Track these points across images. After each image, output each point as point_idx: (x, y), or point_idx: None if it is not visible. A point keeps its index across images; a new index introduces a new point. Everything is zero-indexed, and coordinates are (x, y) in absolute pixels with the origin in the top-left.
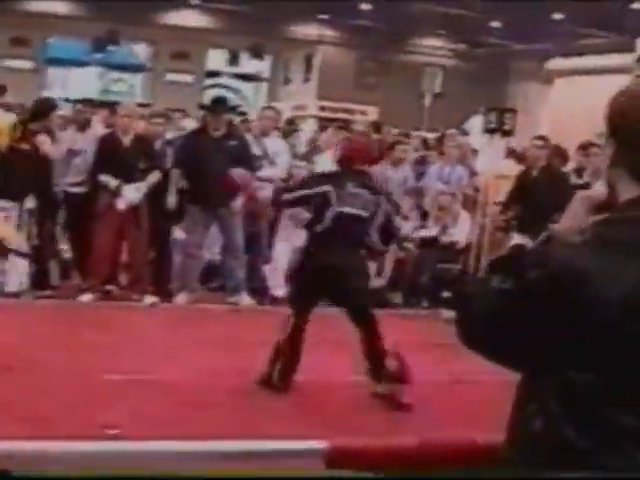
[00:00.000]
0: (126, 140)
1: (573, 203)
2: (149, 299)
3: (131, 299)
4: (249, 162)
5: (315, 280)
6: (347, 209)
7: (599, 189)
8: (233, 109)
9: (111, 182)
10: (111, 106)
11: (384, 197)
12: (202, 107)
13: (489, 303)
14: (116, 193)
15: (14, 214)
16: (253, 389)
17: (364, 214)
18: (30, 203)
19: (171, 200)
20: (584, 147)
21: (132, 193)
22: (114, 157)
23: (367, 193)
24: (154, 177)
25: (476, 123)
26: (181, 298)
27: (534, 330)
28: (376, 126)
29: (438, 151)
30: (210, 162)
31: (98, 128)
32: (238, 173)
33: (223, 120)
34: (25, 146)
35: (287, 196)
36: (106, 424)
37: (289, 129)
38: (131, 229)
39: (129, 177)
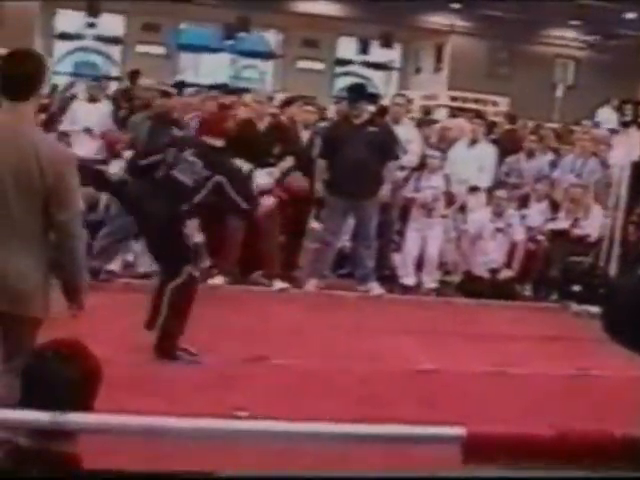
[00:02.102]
0: (261, 125)
1: None
2: (279, 284)
3: (261, 284)
4: (391, 149)
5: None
6: (175, 173)
7: None
8: (372, 97)
9: (244, 166)
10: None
11: (221, 173)
12: (341, 96)
13: (635, 292)
14: None
15: None
16: (381, 376)
17: (187, 181)
18: None
19: (318, 188)
20: None
21: (264, 178)
22: (248, 142)
23: (201, 164)
24: (288, 162)
25: (606, 114)
26: (311, 284)
27: None
28: (510, 117)
29: (568, 143)
30: (351, 150)
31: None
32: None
33: (362, 108)
34: None
35: (142, 162)
36: (236, 406)
37: (425, 119)
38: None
39: (262, 162)
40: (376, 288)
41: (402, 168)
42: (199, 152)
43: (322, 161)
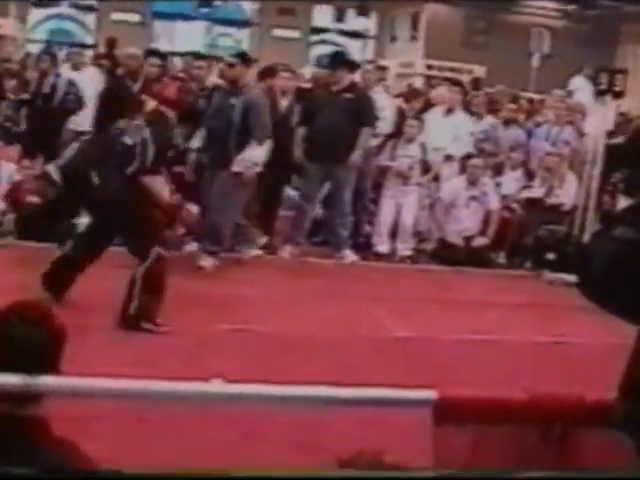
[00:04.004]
0: None
1: None
2: (254, 252)
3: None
4: (368, 116)
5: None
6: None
7: None
8: (352, 64)
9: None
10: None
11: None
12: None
13: (612, 253)
14: None
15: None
16: (356, 342)
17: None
18: None
19: (297, 153)
20: None
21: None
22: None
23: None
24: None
25: (579, 83)
26: (285, 251)
27: None
28: (475, 82)
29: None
30: (327, 116)
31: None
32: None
33: (341, 75)
34: None
35: None
36: (211, 372)
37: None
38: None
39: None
40: (350, 255)
41: (375, 135)
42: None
43: (301, 129)
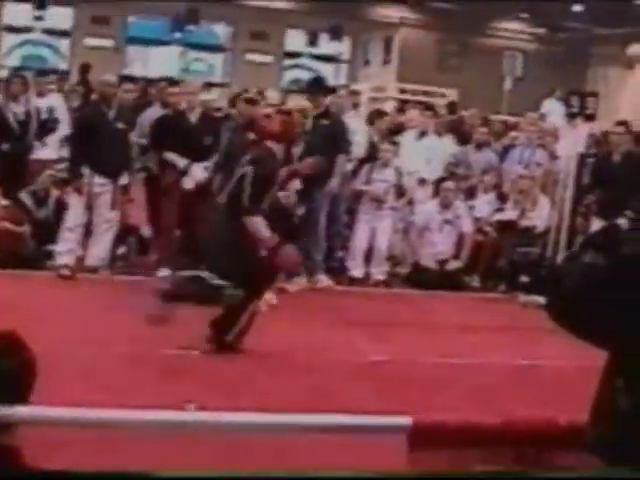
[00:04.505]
0: (192, 118)
1: None
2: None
3: None
4: (343, 143)
5: None
6: None
7: None
8: (331, 90)
9: (179, 162)
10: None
11: None
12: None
13: (581, 279)
14: (184, 172)
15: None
16: (331, 367)
17: None
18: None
19: None
20: None
21: (200, 172)
22: (180, 135)
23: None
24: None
25: (551, 106)
26: None
27: (625, 305)
28: (451, 106)
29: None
30: (306, 143)
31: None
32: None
33: (320, 101)
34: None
35: None
36: (184, 397)
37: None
38: (197, 206)
39: (196, 155)
40: (325, 280)
41: (349, 160)
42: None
43: None
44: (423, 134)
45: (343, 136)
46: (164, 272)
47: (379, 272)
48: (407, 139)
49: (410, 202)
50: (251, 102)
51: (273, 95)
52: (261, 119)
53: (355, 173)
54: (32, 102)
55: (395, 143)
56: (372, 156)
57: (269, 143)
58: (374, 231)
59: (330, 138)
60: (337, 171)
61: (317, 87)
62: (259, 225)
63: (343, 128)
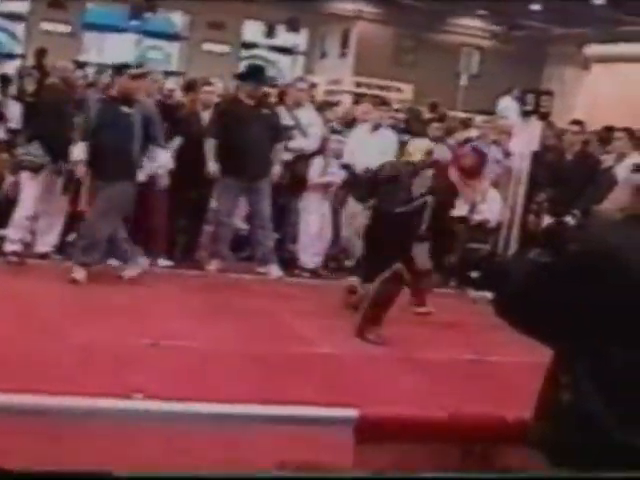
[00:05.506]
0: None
1: (618, 186)
2: (163, 262)
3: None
4: (280, 132)
5: None
6: None
7: None
8: (269, 80)
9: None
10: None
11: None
12: (238, 76)
13: (526, 275)
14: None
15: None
16: (279, 359)
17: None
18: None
19: (213, 167)
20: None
21: (165, 157)
22: None
23: None
24: (176, 142)
25: (507, 104)
26: (212, 265)
27: (569, 303)
28: (433, 106)
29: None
30: (246, 131)
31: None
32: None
33: (259, 89)
34: None
35: None
36: (132, 388)
37: (326, 103)
38: (152, 194)
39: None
40: (275, 270)
41: (302, 151)
42: None
43: (212, 140)
44: (376, 127)
45: (280, 125)
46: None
47: (331, 265)
48: (360, 132)
49: None
50: (135, 77)
51: (219, 85)
52: (136, 93)
53: (309, 165)
54: None
55: (340, 133)
56: (325, 148)
57: None
58: (325, 223)
59: (268, 127)
60: (276, 160)
61: (257, 76)
62: None
63: (279, 118)
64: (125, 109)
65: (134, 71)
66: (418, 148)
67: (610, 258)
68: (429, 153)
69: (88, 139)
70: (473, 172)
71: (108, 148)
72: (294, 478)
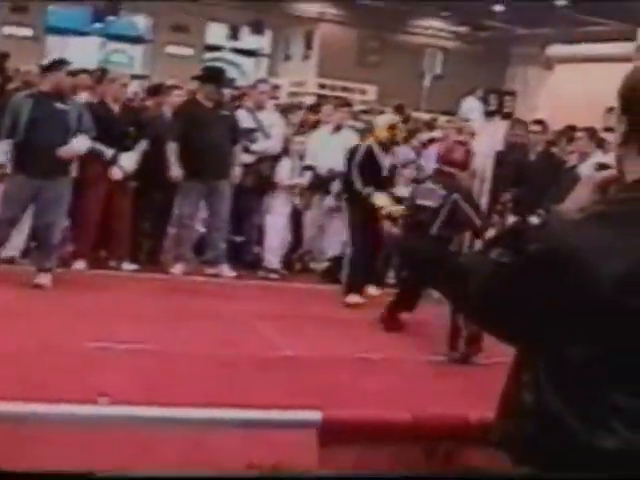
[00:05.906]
0: (116, 108)
1: (579, 185)
2: (127, 266)
3: (111, 267)
4: (238, 135)
5: None
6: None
7: (609, 172)
8: (229, 81)
9: (106, 151)
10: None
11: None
12: (197, 78)
13: (487, 275)
14: (111, 162)
15: None
16: (241, 362)
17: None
18: None
19: (175, 171)
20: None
21: (127, 162)
22: (105, 125)
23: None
24: (143, 145)
25: (471, 104)
26: (177, 268)
27: (530, 303)
28: (399, 108)
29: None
30: (206, 133)
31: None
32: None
33: (219, 91)
34: None
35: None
36: (97, 391)
37: (290, 106)
38: (117, 197)
39: (121, 146)
40: (227, 271)
41: (266, 153)
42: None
43: (173, 143)
44: (338, 128)
45: (238, 127)
46: (80, 265)
47: (294, 266)
48: (322, 134)
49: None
50: (72, 74)
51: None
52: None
53: (272, 166)
54: None
55: (303, 135)
56: (287, 149)
57: None
58: (289, 225)
59: (230, 129)
60: (237, 161)
61: (216, 78)
62: None
63: (237, 120)
64: (60, 105)
65: (71, 67)
66: (383, 120)
67: (569, 257)
68: (392, 127)
69: (15, 137)
70: None
71: (42, 145)
72: (270, 478)
